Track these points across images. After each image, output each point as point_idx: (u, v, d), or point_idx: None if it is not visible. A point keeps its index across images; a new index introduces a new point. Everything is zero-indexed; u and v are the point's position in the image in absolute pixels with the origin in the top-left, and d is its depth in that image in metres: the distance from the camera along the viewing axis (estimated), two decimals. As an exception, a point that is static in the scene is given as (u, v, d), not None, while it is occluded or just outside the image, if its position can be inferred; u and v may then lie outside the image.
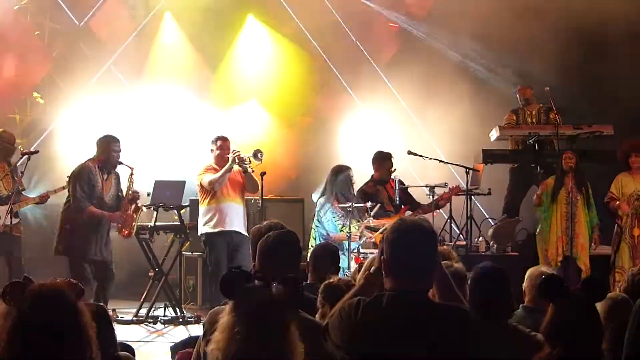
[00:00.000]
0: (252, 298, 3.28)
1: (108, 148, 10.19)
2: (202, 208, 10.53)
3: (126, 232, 10.33)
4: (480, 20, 13.36)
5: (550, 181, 10.80)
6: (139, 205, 10.45)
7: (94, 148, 10.37)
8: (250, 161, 10.37)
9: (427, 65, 13.79)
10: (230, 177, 10.40)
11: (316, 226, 10.50)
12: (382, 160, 11.11)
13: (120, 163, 10.31)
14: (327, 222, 10.46)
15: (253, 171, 10.40)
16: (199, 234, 10.63)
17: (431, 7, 15.06)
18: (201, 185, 10.46)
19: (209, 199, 10.42)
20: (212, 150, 10.59)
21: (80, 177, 10.09)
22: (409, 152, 11.41)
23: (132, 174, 10.37)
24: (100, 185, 10.17)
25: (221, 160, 10.44)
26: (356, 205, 10.15)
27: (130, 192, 10.33)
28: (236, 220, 10.41)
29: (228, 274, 3.37)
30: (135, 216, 10.38)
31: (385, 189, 10.98)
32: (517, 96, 12.45)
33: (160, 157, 13.43)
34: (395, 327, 3.59)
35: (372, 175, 11.15)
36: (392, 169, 11.10)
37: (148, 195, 10.92)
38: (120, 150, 10.28)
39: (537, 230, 10.81)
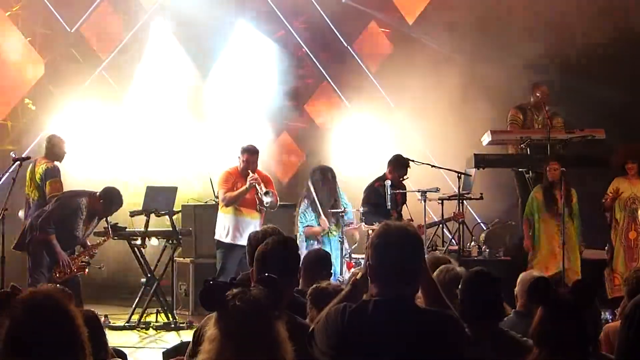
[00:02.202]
0: (232, 308, 3.26)
1: (109, 205, 10.04)
2: (220, 214, 10.58)
3: (59, 274, 9.85)
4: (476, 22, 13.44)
5: (537, 195, 10.77)
6: (85, 268, 10.18)
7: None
8: (261, 195, 10.37)
9: (419, 69, 13.79)
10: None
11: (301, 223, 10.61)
12: (398, 166, 11.14)
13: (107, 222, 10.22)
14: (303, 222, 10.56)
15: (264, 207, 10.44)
16: (214, 237, 10.67)
17: (423, 11, 15.10)
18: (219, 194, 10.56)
19: (226, 207, 10.47)
20: (238, 157, 10.58)
21: (64, 210, 9.89)
22: (401, 157, 11.42)
23: (103, 241, 10.32)
24: (81, 226, 9.96)
25: (244, 171, 10.46)
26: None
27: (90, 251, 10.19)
28: (248, 234, 10.34)
29: (204, 288, 3.35)
30: (75, 272, 9.97)
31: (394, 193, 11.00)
32: (532, 93, 12.01)
33: (152, 162, 13.42)
34: (381, 334, 3.58)
35: (384, 174, 11.17)
36: (404, 177, 11.16)
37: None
38: (115, 212, 10.22)
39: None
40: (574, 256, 10.63)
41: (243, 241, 10.23)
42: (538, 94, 11.84)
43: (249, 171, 10.38)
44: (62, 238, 9.88)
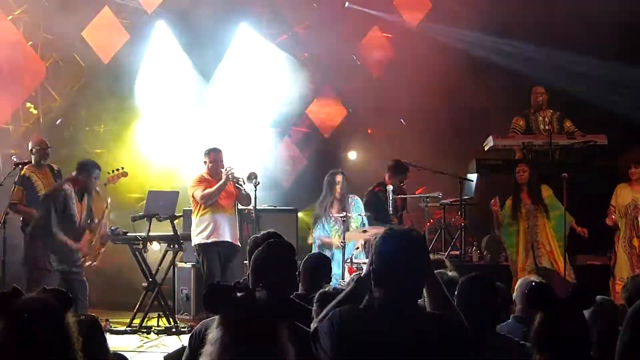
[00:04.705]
0: (236, 310, 3.28)
1: (89, 175, 9.83)
2: (195, 219, 10.54)
3: (90, 262, 9.83)
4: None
5: (507, 201, 10.76)
6: (106, 240, 10.23)
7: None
8: (244, 182, 10.41)
9: (421, 74, 13.80)
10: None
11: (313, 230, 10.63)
12: (397, 171, 11.16)
13: (97, 192, 10.05)
14: (319, 226, 10.56)
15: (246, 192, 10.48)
16: (192, 244, 10.65)
17: (425, 15, 15.12)
18: (193, 197, 10.49)
19: (202, 210, 10.45)
20: (204, 162, 10.61)
21: (55, 200, 9.74)
22: (400, 162, 11.43)
23: (106, 208, 10.14)
24: (75, 209, 9.78)
25: (214, 172, 10.47)
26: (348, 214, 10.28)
27: (100, 227, 10.03)
28: (228, 230, 10.44)
29: (209, 289, 3.36)
30: (102, 249, 10.01)
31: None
32: (531, 98, 12.01)
33: (154, 166, 13.43)
34: (386, 337, 3.58)
35: (384, 180, 11.19)
36: (404, 183, 11.16)
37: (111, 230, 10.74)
38: (99, 178, 10.07)
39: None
40: (556, 253, 10.58)
41: (224, 237, 10.34)
42: (539, 98, 11.84)
43: (220, 169, 10.42)
44: (66, 230, 9.80)
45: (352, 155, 15.06)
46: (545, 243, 10.52)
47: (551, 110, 11.86)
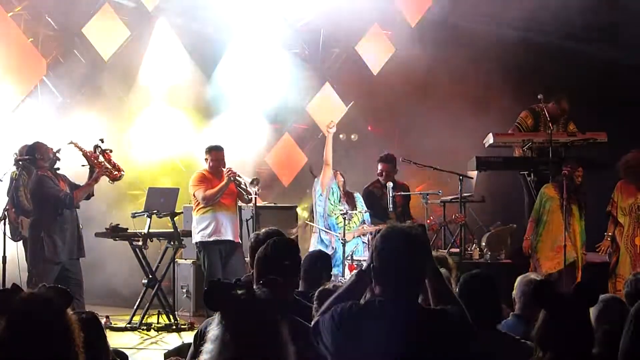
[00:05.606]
0: (236, 308, 3.27)
1: (45, 152, 9.80)
2: (197, 217, 10.55)
3: (113, 175, 9.93)
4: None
5: (548, 191, 10.71)
6: (104, 149, 10.08)
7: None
8: (246, 185, 10.41)
9: (421, 72, 13.80)
10: None
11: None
12: (380, 161, 11.17)
13: (57, 159, 9.90)
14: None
15: (252, 196, 10.48)
16: (193, 242, 10.65)
17: (425, 13, 15.13)
18: (194, 196, 10.50)
19: (203, 208, 10.45)
20: (206, 159, 10.61)
21: (44, 182, 9.70)
22: (403, 159, 11.42)
23: (76, 145, 9.98)
24: (59, 186, 9.76)
25: (215, 170, 10.47)
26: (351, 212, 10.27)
27: (88, 156, 9.96)
28: (230, 229, 10.45)
29: (209, 287, 3.37)
30: (110, 160, 10.02)
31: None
32: (557, 103, 11.69)
33: (154, 163, 13.42)
34: (387, 334, 3.58)
35: (379, 177, 11.20)
36: (390, 172, 11.14)
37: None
38: (46, 152, 9.87)
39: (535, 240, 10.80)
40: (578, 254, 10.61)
41: (226, 235, 10.34)
42: (563, 108, 11.67)
43: (222, 168, 10.42)
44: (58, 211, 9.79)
45: (352, 152, 15.06)
46: (578, 248, 10.57)
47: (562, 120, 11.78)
